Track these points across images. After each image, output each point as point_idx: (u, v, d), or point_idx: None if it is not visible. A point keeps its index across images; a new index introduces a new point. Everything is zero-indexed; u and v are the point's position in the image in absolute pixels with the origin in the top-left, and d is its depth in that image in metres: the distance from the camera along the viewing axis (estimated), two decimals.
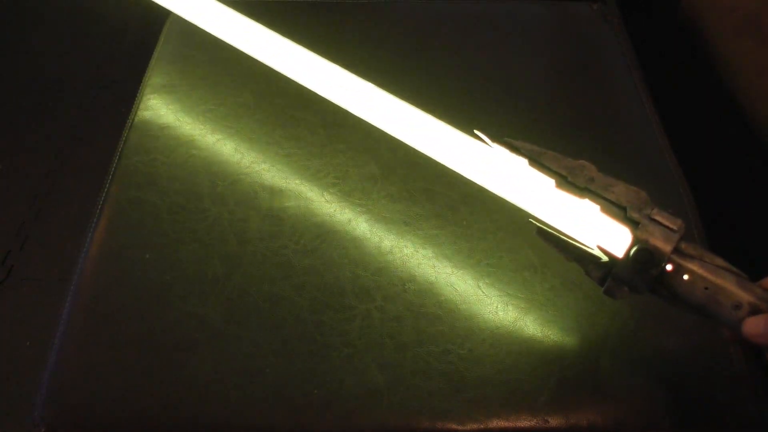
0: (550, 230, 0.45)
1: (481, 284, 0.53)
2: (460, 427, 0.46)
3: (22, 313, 0.99)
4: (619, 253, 0.42)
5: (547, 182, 0.45)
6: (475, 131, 0.49)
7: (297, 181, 0.60)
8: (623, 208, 0.42)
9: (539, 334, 0.50)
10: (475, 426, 0.46)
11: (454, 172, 0.55)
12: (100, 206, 0.58)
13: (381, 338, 0.50)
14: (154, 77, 0.70)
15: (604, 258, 0.43)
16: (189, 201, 0.58)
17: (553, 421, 0.46)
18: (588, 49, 0.77)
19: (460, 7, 0.80)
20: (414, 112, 0.54)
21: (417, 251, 0.55)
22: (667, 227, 0.41)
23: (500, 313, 0.51)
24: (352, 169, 0.61)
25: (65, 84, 1.33)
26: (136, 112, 0.66)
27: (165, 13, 0.77)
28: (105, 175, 0.61)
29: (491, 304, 0.52)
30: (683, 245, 0.41)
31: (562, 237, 0.44)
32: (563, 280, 0.53)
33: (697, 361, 0.50)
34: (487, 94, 0.69)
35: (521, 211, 0.50)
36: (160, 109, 0.66)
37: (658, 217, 0.41)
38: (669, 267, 0.40)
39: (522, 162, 0.45)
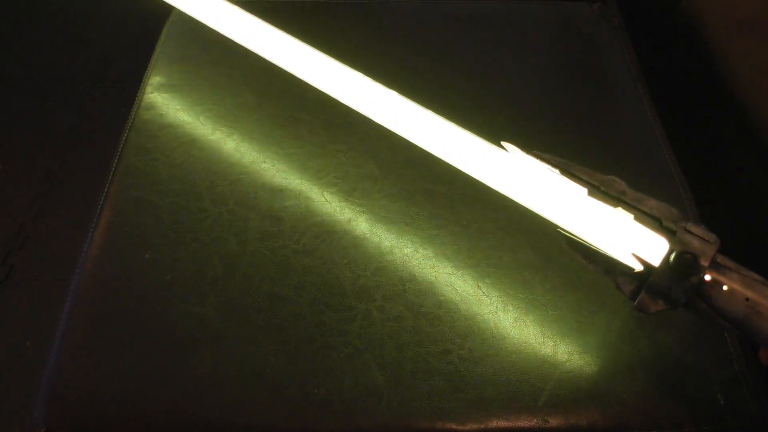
0: (579, 240, 0.44)
1: (481, 284, 0.53)
2: (460, 427, 0.46)
3: (22, 313, 0.99)
4: (656, 261, 0.41)
5: (579, 191, 0.44)
6: (502, 143, 0.48)
7: (297, 181, 0.60)
8: (657, 219, 0.42)
9: (539, 334, 0.50)
10: (475, 426, 0.46)
11: (454, 172, 0.55)
12: (100, 206, 0.58)
13: (381, 338, 0.50)
14: (155, 77, 0.70)
15: (638, 268, 0.42)
16: (189, 201, 0.58)
17: (553, 421, 0.46)
18: (588, 49, 0.77)
19: (460, 7, 0.80)
20: (440, 123, 0.54)
21: (417, 251, 0.55)
22: (703, 239, 0.40)
23: (500, 313, 0.51)
24: (352, 169, 0.61)
25: (65, 84, 1.33)
26: (136, 112, 0.66)
27: (165, 14, 0.77)
28: (105, 175, 0.61)
29: (491, 304, 0.52)
30: (719, 258, 0.40)
31: (592, 247, 0.44)
32: (563, 280, 0.53)
33: (697, 361, 0.50)
34: (487, 94, 0.69)
35: (524, 212, 0.50)
36: (160, 109, 0.66)
37: (693, 230, 0.41)
38: (707, 277, 0.39)
39: (551, 171, 0.45)
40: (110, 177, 0.61)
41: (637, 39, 0.78)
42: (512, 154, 0.48)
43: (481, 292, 0.52)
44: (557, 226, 0.46)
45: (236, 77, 0.69)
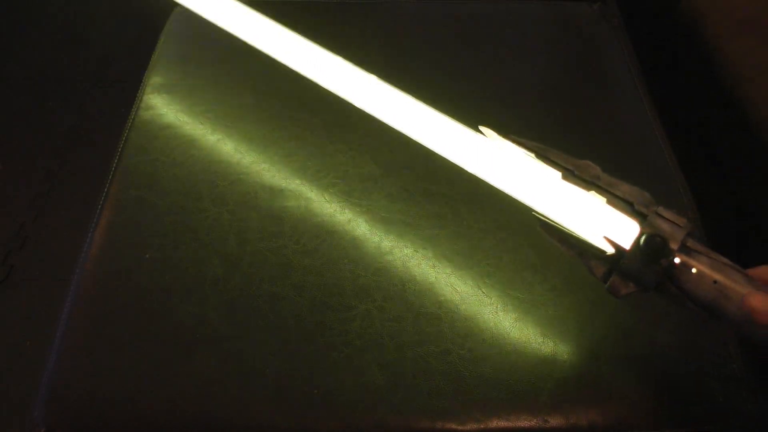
0: (553, 224, 0.44)
1: (481, 284, 0.53)
2: (460, 427, 0.46)
3: (22, 313, 0.99)
4: (627, 244, 0.41)
5: (553, 175, 0.44)
6: (480, 127, 0.49)
7: (297, 181, 0.60)
8: (630, 203, 0.42)
9: (539, 334, 0.50)
10: (475, 426, 0.46)
11: (454, 171, 0.55)
12: (100, 206, 0.58)
13: (381, 338, 0.50)
14: (155, 77, 0.70)
15: (610, 251, 0.42)
16: (189, 201, 0.58)
17: (553, 421, 0.46)
18: (588, 49, 0.77)
19: (460, 7, 0.80)
20: (418, 106, 0.53)
21: (417, 251, 0.55)
22: (674, 223, 0.41)
23: (500, 313, 0.51)
24: (352, 169, 0.61)
25: (65, 84, 1.33)
26: (136, 112, 0.66)
27: (165, 14, 0.77)
28: (105, 175, 0.61)
29: (491, 304, 0.52)
30: (689, 242, 0.41)
31: (566, 231, 0.44)
32: (563, 280, 0.53)
33: (697, 361, 0.50)
34: (487, 94, 0.69)
35: (524, 207, 0.50)
36: (161, 109, 0.66)
37: (664, 214, 0.41)
38: (677, 260, 0.40)
39: (527, 156, 0.45)
40: (110, 177, 0.61)
41: (637, 39, 0.78)
42: (489, 138, 0.49)
43: (481, 292, 0.52)
44: (532, 210, 0.46)
45: (236, 77, 0.69)
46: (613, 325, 0.51)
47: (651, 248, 0.40)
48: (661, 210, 0.42)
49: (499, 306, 0.52)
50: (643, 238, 0.40)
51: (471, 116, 0.59)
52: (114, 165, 0.62)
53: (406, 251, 0.55)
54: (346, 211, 0.58)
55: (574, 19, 0.80)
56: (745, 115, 0.70)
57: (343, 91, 0.60)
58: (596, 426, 0.47)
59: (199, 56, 0.72)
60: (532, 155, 0.45)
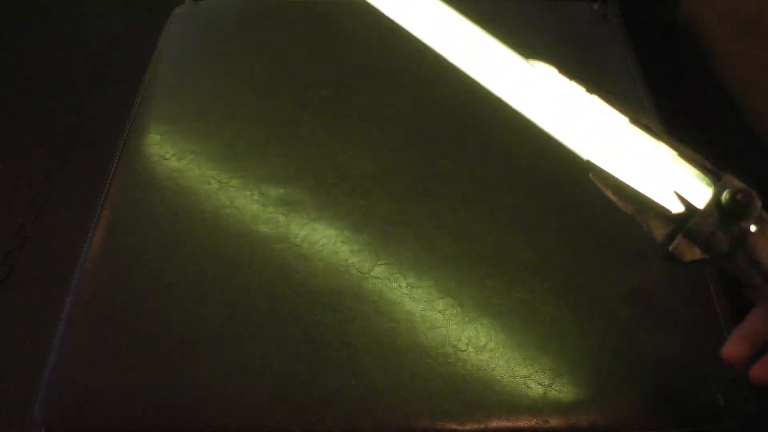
0: (609, 174, 0.39)
1: (481, 284, 0.53)
2: (460, 427, 0.46)
3: (22, 313, 0.99)
4: (701, 203, 0.37)
5: (618, 119, 0.40)
6: (529, 60, 0.44)
7: (297, 181, 0.60)
8: (701, 162, 0.38)
9: (539, 335, 0.50)
10: (475, 426, 0.46)
11: (455, 172, 0.55)
12: (100, 206, 0.58)
13: (381, 338, 0.50)
14: (155, 77, 0.70)
15: (677, 209, 0.38)
16: (189, 201, 0.58)
17: (553, 421, 0.46)
18: (588, 49, 0.77)
19: (460, 7, 0.80)
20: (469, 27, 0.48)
21: (417, 251, 0.55)
22: (747, 191, 0.37)
23: (500, 313, 0.51)
24: (352, 169, 0.61)
25: (65, 84, 1.33)
26: (136, 112, 0.66)
27: (166, 14, 0.77)
28: (105, 175, 0.61)
29: (491, 304, 0.52)
30: (763, 213, 0.37)
31: (624, 182, 0.39)
32: (563, 280, 0.53)
33: (697, 361, 0.49)
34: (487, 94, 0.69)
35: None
36: (160, 109, 0.66)
37: (734, 180, 0.37)
38: (752, 228, 0.36)
39: (587, 94, 0.41)
40: (110, 177, 0.61)
41: (637, 39, 0.77)
42: (542, 73, 0.44)
43: (481, 293, 0.52)
44: (582, 159, 0.41)
45: (236, 77, 0.69)
46: (614, 325, 0.51)
47: (737, 204, 0.36)
48: (729, 176, 0.38)
49: (499, 306, 0.52)
50: (726, 192, 0.36)
51: (471, 116, 0.59)
52: (114, 165, 0.62)
53: (406, 251, 0.55)
54: (346, 211, 0.58)
55: (574, 19, 0.80)
56: (746, 115, 0.70)
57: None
58: (596, 426, 0.46)
59: (199, 56, 0.72)
60: (595, 96, 0.41)
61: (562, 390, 0.47)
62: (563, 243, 0.55)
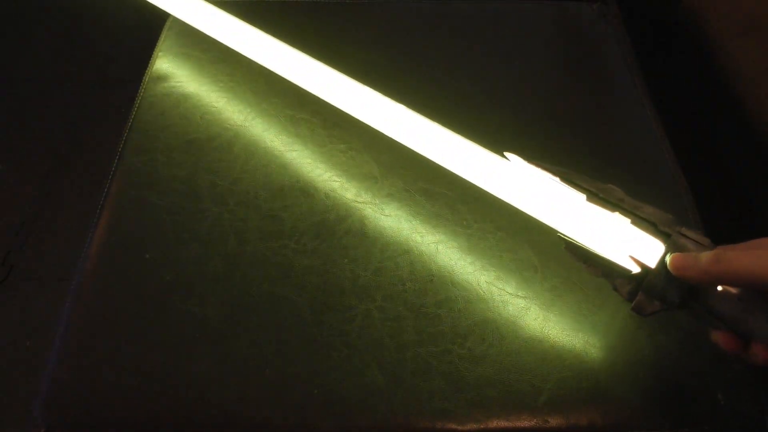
0: (579, 245, 0.46)
1: (481, 284, 0.53)
2: (460, 427, 0.46)
3: (22, 313, 0.99)
4: (652, 263, 0.42)
5: (578, 198, 0.46)
6: (505, 153, 0.51)
7: (297, 181, 0.60)
8: (654, 224, 0.44)
9: (539, 334, 0.50)
10: (475, 426, 0.46)
11: (455, 172, 0.55)
12: (100, 206, 0.58)
13: (381, 338, 0.50)
14: (155, 77, 0.70)
15: (635, 270, 0.43)
16: (189, 201, 0.58)
17: (553, 421, 0.46)
18: (588, 49, 0.77)
19: (460, 7, 0.80)
20: (445, 134, 0.55)
21: (417, 251, 0.55)
22: (697, 242, 0.42)
23: (500, 313, 0.51)
24: (352, 169, 0.61)
25: (65, 84, 1.33)
26: (136, 112, 0.66)
27: (165, 14, 0.77)
28: (105, 175, 0.61)
29: (491, 304, 0.52)
30: None
31: (591, 252, 0.45)
32: (563, 280, 0.53)
33: (697, 361, 0.49)
34: (487, 95, 0.69)
35: (523, 215, 0.50)
36: (161, 108, 0.66)
37: (687, 233, 0.42)
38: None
39: (552, 179, 0.47)
40: (110, 177, 0.61)
41: (637, 39, 0.78)
42: (514, 164, 0.50)
43: (480, 292, 0.52)
44: (557, 232, 0.48)
45: (236, 77, 0.69)
46: (613, 325, 0.51)
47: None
48: (684, 230, 0.43)
49: (498, 306, 0.52)
50: (668, 256, 0.41)
51: (471, 116, 0.59)
52: (114, 165, 0.62)
53: (405, 251, 0.55)
54: (346, 211, 0.58)
55: (574, 19, 0.80)
56: (746, 115, 0.70)
57: (339, 102, 0.61)
58: (596, 426, 0.47)
59: (200, 56, 0.72)
60: (557, 179, 0.47)
61: (562, 390, 0.47)
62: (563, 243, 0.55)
